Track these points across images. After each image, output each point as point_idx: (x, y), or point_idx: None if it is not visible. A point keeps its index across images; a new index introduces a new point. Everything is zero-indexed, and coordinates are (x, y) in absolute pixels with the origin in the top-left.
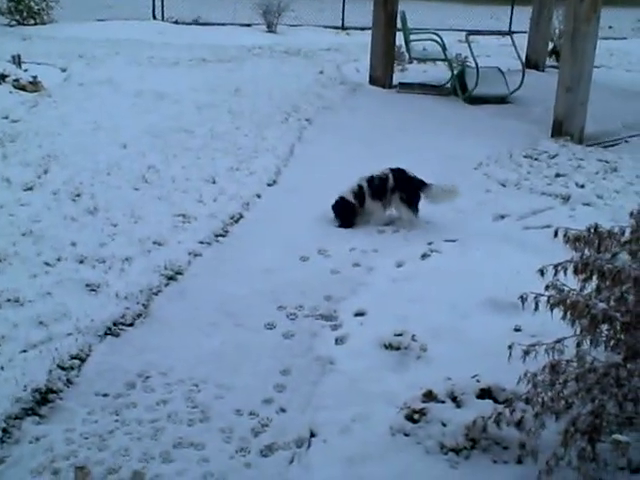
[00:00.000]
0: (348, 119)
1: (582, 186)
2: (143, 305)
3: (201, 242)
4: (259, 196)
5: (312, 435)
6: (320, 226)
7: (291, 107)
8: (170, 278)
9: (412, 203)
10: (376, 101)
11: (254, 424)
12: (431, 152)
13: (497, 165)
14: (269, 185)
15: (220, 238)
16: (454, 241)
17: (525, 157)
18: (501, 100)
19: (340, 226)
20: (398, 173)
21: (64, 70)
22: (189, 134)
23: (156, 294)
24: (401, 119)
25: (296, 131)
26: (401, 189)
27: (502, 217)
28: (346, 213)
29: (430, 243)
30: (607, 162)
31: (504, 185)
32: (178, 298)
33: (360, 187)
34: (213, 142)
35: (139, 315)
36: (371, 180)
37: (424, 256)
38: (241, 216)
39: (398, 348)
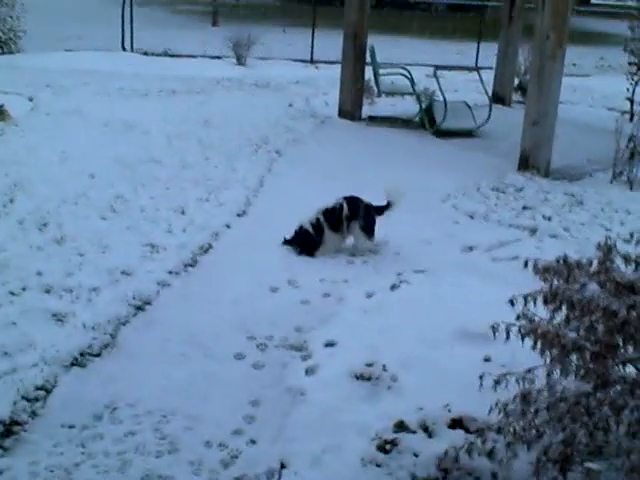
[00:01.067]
0: (317, 151)
1: (549, 218)
2: (111, 335)
3: (170, 272)
4: (228, 226)
5: (282, 467)
6: (289, 257)
7: (261, 139)
8: (138, 308)
9: (369, 229)
10: (345, 134)
11: (224, 456)
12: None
13: (465, 197)
14: (239, 216)
15: (189, 268)
16: (423, 272)
17: (492, 190)
18: (468, 133)
19: (300, 253)
20: (352, 200)
21: (31, 99)
22: (158, 164)
23: (124, 324)
24: (370, 151)
25: (266, 163)
26: (358, 217)
27: (470, 248)
28: (307, 244)
29: (399, 274)
30: (573, 195)
31: (472, 217)
32: (146, 328)
33: (317, 220)
34: (183, 172)
35: (106, 345)
36: (327, 212)
37: (394, 287)
38: (210, 246)
39: (369, 378)
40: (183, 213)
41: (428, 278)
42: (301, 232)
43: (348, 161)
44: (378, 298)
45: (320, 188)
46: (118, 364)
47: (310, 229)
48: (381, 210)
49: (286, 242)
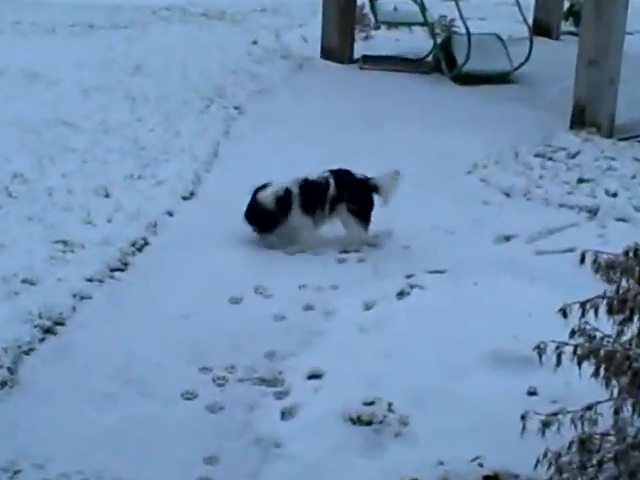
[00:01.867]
0: (292, 107)
1: (614, 194)
2: (9, 369)
3: (90, 280)
4: (171, 214)
5: None
6: (257, 254)
7: (214, 91)
8: (47, 331)
9: (364, 215)
10: (331, 82)
11: None
12: (407, 152)
13: (498, 167)
14: (185, 198)
15: (117, 273)
16: (442, 272)
17: (536, 156)
18: (502, 78)
19: (254, 230)
20: (342, 176)
21: None
22: (72, 129)
23: (27, 353)
24: (365, 107)
25: (221, 124)
26: (349, 198)
27: (507, 238)
28: (261, 222)
29: (409, 276)
30: None
31: (508, 195)
32: (59, 359)
33: (288, 191)
34: (106, 139)
35: (3, 383)
36: (305, 185)
37: (401, 294)
38: (146, 242)
39: (369, 422)
40: (107, 196)
41: (448, 281)
42: (255, 207)
43: (335, 120)
44: (380, 310)
45: (296, 158)
46: (20, 409)
47: (271, 202)
48: (378, 186)
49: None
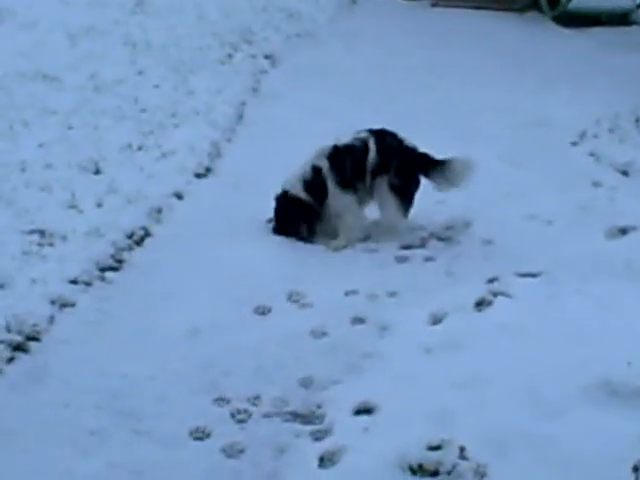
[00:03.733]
0: (341, 57)
1: None
2: None
3: (73, 281)
4: (179, 197)
5: None
6: (290, 250)
7: (239, 34)
8: (17, 348)
9: (406, 194)
10: (392, 24)
11: None
12: (492, 117)
13: (613, 137)
14: (198, 176)
15: (108, 274)
16: (535, 276)
17: None
18: (620, 19)
19: (275, 231)
20: (384, 139)
21: None
22: (53, 84)
23: None
24: (437, 57)
25: (248, 78)
26: (391, 169)
27: (622, 232)
28: (295, 220)
29: (492, 280)
30: None
31: (626, 173)
32: (31, 385)
33: (316, 170)
34: (97, 99)
35: None
36: (336, 155)
37: (481, 304)
38: (147, 233)
39: (435, 473)
40: (97, 173)
41: (544, 288)
42: (283, 201)
43: (396, 73)
44: (452, 325)
45: (344, 124)
46: None
47: (300, 190)
48: (432, 164)
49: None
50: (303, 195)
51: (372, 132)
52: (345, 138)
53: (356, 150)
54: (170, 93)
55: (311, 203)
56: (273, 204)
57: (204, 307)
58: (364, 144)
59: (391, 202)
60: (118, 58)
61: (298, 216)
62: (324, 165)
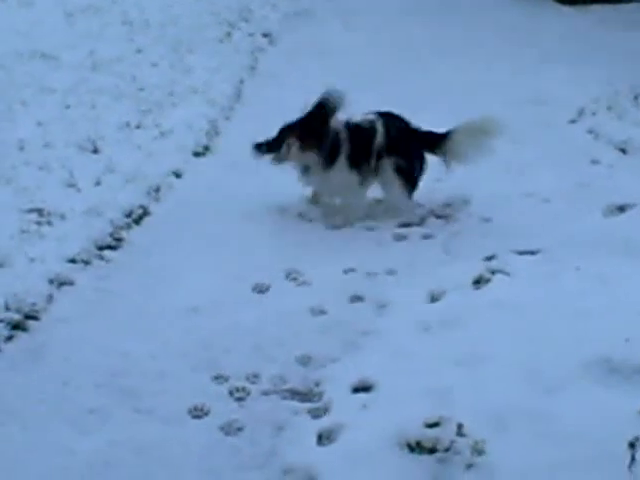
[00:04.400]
0: (340, 34)
1: None
2: None
3: (72, 260)
4: (178, 175)
5: None
6: (289, 228)
7: (237, 12)
8: (16, 327)
9: (413, 177)
10: (391, 0)
11: None
12: (491, 92)
13: (612, 114)
14: (197, 155)
15: (107, 252)
16: (534, 253)
17: None
18: None
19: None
20: (392, 121)
21: None
22: (51, 63)
23: None
24: (436, 33)
25: (246, 57)
26: (397, 150)
27: (621, 209)
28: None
29: (490, 258)
30: None
31: (624, 151)
32: (30, 363)
33: (337, 134)
34: (94, 77)
35: None
36: (350, 128)
37: (479, 282)
38: (145, 212)
39: (432, 450)
40: (96, 152)
41: (542, 265)
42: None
43: (398, 52)
44: (451, 303)
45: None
46: None
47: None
48: (435, 142)
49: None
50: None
51: (380, 114)
52: (355, 117)
53: (365, 131)
54: (168, 71)
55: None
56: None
57: (203, 285)
58: (373, 126)
59: (396, 184)
60: (116, 36)
61: (325, 136)
62: (342, 132)
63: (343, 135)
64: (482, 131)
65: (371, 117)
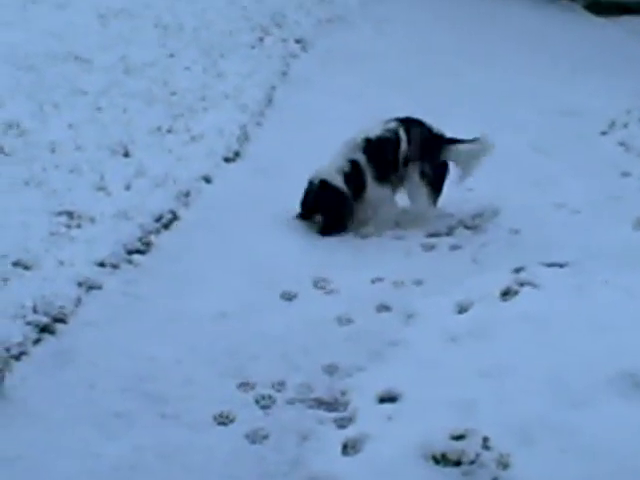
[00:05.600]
0: (372, 41)
1: None
2: None
3: (101, 264)
4: (208, 180)
5: None
6: (317, 236)
7: (270, 18)
8: (43, 329)
9: (436, 182)
10: (424, 8)
11: None
12: (522, 102)
13: None
14: (227, 160)
15: (136, 257)
16: (563, 266)
17: None
18: None
19: (323, 231)
20: (414, 127)
21: None
22: (83, 65)
23: (17, 358)
24: (468, 41)
25: (279, 62)
26: (422, 156)
27: None
28: (335, 211)
29: (519, 270)
30: None
31: None
32: (58, 366)
33: (354, 164)
34: (126, 80)
35: None
36: (370, 148)
37: (507, 294)
38: (175, 216)
39: (458, 462)
40: (126, 155)
41: (571, 278)
42: (322, 191)
43: (428, 59)
44: (478, 314)
45: (375, 109)
46: (5, 430)
47: (340, 181)
48: (448, 148)
49: (302, 214)
50: (344, 187)
51: (401, 121)
52: (375, 129)
53: (389, 142)
54: (200, 76)
55: (350, 196)
56: (306, 195)
57: (231, 291)
58: (395, 134)
59: (422, 191)
60: (148, 40)
61: (342, 207)
62: (361, 159)
63: (363, 161)
64: (474, 151)
65: (392, 125)
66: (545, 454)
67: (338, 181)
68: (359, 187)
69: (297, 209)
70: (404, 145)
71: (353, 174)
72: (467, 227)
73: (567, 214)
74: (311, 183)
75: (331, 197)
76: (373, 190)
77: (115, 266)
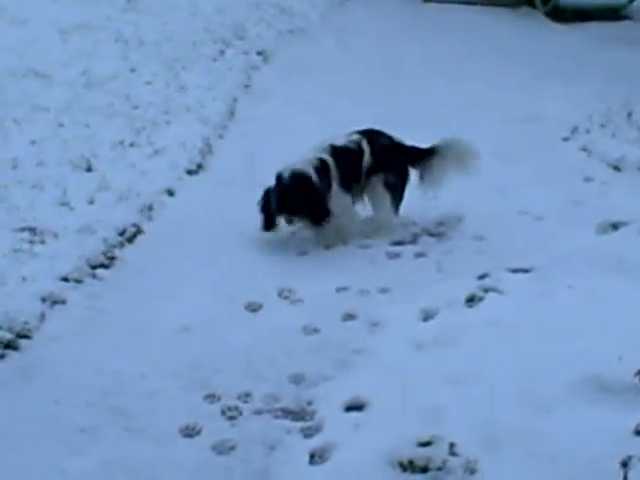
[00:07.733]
0: (334, 53)
1: None
2: None
3: (65, 279)
4: (171, 193)
5: None
6: (282, 247)
7: (231, 29)
8: (7, 346)
9: (398, 190)
10: (385, 20)
11: None
12: (485, 110)
13: (605, 132)
14: (190, 173)
15: (100, 271)
16: (527, 271)
17: None
18: (612, 14)
19: (314, 222)
20: (376, 138)
21: None
22: (44, 81)
23: None
24: (429, 51)
25: (240, 75)
26: (384, 166)
27: (614, 227)
28: (315, 198)
29: (483, 276)
30: None
31: (617, 168)
32: (21, 382)
33: (324, 163)
34: (88, 95)
35: None
36: (336, 153)
37: (472, 300)
38: (138, 230)
39: (425, 469)
40: (89, 170)
41: (535, 283)
42: (296, 181)
43: (390, 70)
44: (444, 321)
45: (338, 120)
46: None
47: (312, 173)
48: (418, 157)
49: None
50: (316, 179)
51: (363, 133)
52: (338, 140)
53: (353, 152)
54: (162, 90)
55: (320, 187)
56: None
57: (196, 304)
58: (358, 146)
59: (385, 199)
60: (110, 55)
61: (320, 193)
62: (329, 160)
63: (331, 162)
64: (464, 151)
65: (355, 137)
66: (512, 459)
67: (311, 172)
68: (326, 187)
69: (259, 220)
70: (367, 156)
71: (322, 170)
72: (431, 235)
73: (531, 220)
74: (280, 177)
75: (307, 186)
76: (337, 197)
77: (79, 281)
